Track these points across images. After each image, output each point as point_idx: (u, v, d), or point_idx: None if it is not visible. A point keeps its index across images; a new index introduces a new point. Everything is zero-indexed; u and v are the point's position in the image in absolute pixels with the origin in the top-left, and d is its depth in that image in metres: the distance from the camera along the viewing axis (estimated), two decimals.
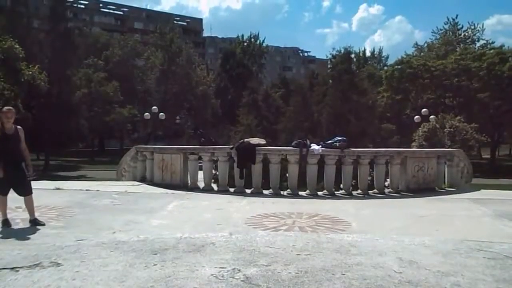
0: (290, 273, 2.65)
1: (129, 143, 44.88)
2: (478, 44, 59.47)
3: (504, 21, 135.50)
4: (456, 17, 62.76)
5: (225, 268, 2.75)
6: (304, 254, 3.02)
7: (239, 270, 2.69)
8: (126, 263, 2.96)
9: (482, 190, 10.99)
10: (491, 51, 49.93)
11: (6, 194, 6.54)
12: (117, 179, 12.26)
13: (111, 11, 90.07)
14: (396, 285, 2.50)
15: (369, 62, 70.34)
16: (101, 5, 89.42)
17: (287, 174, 10.62)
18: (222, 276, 2.77)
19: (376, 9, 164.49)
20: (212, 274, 2.80)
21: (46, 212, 7.32)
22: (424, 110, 30.52)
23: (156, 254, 3.08)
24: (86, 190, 9.82)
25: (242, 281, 2.66)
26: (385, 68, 61.03)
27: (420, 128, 27.21)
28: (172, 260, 2.93)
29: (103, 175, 24.43)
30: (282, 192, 10.22)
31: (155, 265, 2.87)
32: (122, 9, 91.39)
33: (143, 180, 11.51)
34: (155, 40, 58.99)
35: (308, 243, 3.31)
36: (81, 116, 46.65)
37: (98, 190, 9.81)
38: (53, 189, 9.87)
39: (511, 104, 45.55)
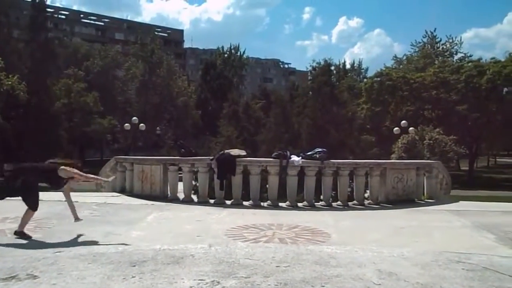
0: (269, 285, 2.64)
1: (109, 154, 44.37)
2: (456, 57, 60.65)
3: (481, 34, 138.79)
4: (435, 31, 64.03)
5: (204, 280, 2.72)
6: (283, 266, 3.00)
7: (218, 282, 2.67)
8: (104, 275, 2.91)
9: (461, 202, 11.14)
10: (469, 64, 50.97)
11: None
12: (97, 190, 12.12)
13: (92, 21, 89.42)
14: None
15: (349, 74, 71.06)
16: (81, 15, 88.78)
17: (267, 186, 10.63)
18: None
19: (355, 22, 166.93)
20: (191, 287, 2.76)
21: None
22: (403, 122, 30.96)
23: (134, 266, 3.04)
24: (65, 201, 9.66)
25: None
26: (365, 80, 61.74)
27: (399, 140, 27.55)
28: (150, 272, 2.89)
29: (82, 186, 24.04)
30: (262, 204, 10.22)
31: (133, 277, 2.82)
32: (103, 20, 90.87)
33: (122, 191, 11.41)
34: (136, 51, 58.67)
35: (288, 255, 3.30)
36: (61, 127, 46.01)
37: (77, 201, 9.54)
38: None
39: (488, 116, 46.48)
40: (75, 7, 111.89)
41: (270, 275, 2.86)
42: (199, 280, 2.74)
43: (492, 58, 52.55)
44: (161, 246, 3.71)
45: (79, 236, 6.49)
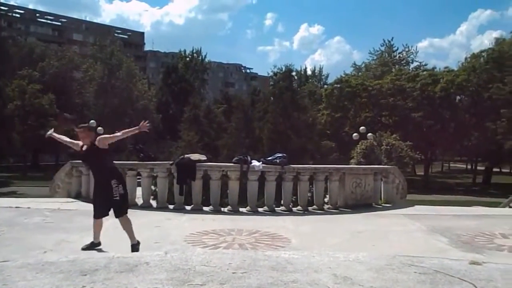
0: None
1: (65, 158, 43.14)
2: (412, 66, 62.87)
3: (435, 44, 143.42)
4: (392, 40, 66.07)
5: None
6: (240, 272, 2.97)
7: None
8: (53, 285, 2.79)
9: (416, 206, 11.45)
10: (424, 72, 52.82)
11: (98, 217, 6.21)
12: (51, 195, 11.70)
13: (48, 21, 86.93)
14: None
15: (310, 80, 72.24)
16: (37, 14, 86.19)
17: (228, 191, 10.58)
18: None
19: (316, 29, 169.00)
20: None
21: None
22: (362, 128, 31.44)
23: (85, 275, 2.92)
24: (16, 207, 9.29)
25: None
26: (325, 86, 62.86)
27: (358, 145, 27.97)
28: (102, 281, 2.78)
29: (36, 191, 23.28)
30: (222, 209, 10.16)
31: (83, 287, 2.71)
32: (60, 19, 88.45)
33: (78, 196, 11.07)
34: (95, 53, 57.54)
35: (245, 261, 3.27)
36: (14, 130, 44.42)
37: (29, 208, 9.31)
38: None
39: (442, 123, 48.14)
40: (30, 6, 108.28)
41: (226, 282, 2.82)
42: None
43: (445, 67, 54.88)
44: (114, 254, 3.60)
45: (30, 244, 6.23)
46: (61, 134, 7.05)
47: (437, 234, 7.75)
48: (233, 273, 3.00)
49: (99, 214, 6.21)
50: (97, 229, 6.26)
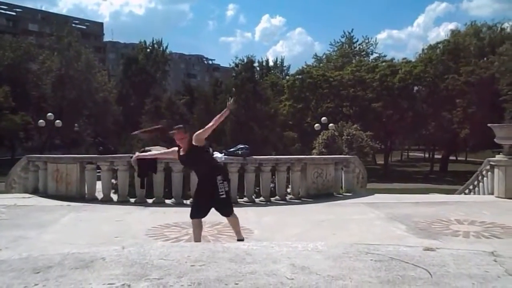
0: (182, 285, 2.56)
1: (21, 153, 41.75)
2: (371, 57, 63.98)
3: (394, 36, 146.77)
4: (352, 31, 67.06)
5: (114, 284, 2.58)
6: (198, 265, 2.95)
7: (129, 286, 2.55)
8: (3, 284, 2.69)
9: (376, 194, 11.69)
10: (383, 63, 53.84)
11: (199, 217, 5.87)
12: (6, 191, 11.33)
13: (2, 11, 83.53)
14: None
15: (272, 71, 72.33)
16: None
17: (190, 183, 10.53)
18: None
19: (278, 21, 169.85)
20: None
21: None
22: (323, 118, 31.92)
23: (38, 272, 2.83)
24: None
25: None
26: (287, 77, 63.15)
27: (320, 136, 28.37)
28: (55, 279, 2.70)
29: None
30: (185, 201, 10.11)
31: (36, 285, 2.63)
32: (14, 9, 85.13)
33: (35, 192, 10.77)
34: (51, 43, 55.72)
35: (204, 253, 3.25)
36: None
37: None
38: None
39: (401, 113, 49.37)
40: None
41: (184, 275, 2.79)
42: (109, 284, 2.59)
43: (403, 59, 56.06)
44: (70, 250, 3.51)
45: None
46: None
47: (396, 221, 7.97)
48: (192, 266, 2.98)
49: (200, 214, 5.89)
50: (198, 231, 5.94)
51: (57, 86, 51.17)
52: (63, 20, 67.57)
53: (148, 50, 72.78)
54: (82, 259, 3.20)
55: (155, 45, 73.85)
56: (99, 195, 10.49)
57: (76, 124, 48.05)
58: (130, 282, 2.63)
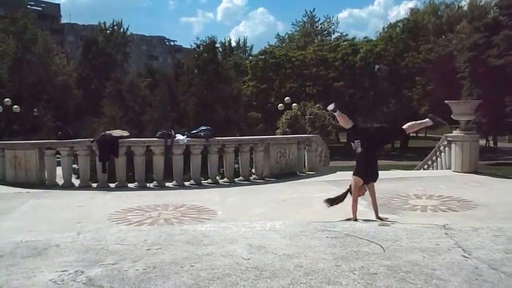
0: (137, 270, 2.55)
1: None
2: (333, 36, 64.28)
3: (354, 14, 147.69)
4: (313, 10, 67.13)
5: (67, 271, 2.54)
6: (154, 248, 2.93)
7: (82, 272, 2.51)
8: None
9: (338, 172, 11.87)
10: (345, 42, 54.29)
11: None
12: None
13: None
14: (243, 271, 2.54)
15: (235, 52, 71.73)
16: None
17: (153, 166, 10.43)
18: (62, 281, 2.55)
19: (240, 0, 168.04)
20: (51, 280, 2.56)
21: None
22: (287, 98, 31.98)
23: None
24: None
25: (84, 283, 2.48)
26: (250, 58, 62.83)
27: (283, 116, 28.46)
28: (6, 268, 2.64)
29: None
30: (148, 185, 10.05)
31: None
32: None
33: None
34: (6, 26, 53.36)
35: (161, 237, 3.24)
36: None
37: None
38: None
39: (363, 92, 50.08)
40: None
41: (139, 259, 2.77)
42: (61, 271, 2.55)
43: (364, 37, 56.61)
44: (23, 238, 3.42)
45: None
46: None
47: None
48: (148, 249, 2.96)
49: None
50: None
51: (14, 71, 49.22)
52: (18, 2, 64.78)
53: (108, 31, 70.89)
54: (35, 247, 3.13)
55: (115, 27, 71.99)
56: (60, 181, 10.28)
57: (35, 109, 46.56)
58: (84, 269, 2.60)
